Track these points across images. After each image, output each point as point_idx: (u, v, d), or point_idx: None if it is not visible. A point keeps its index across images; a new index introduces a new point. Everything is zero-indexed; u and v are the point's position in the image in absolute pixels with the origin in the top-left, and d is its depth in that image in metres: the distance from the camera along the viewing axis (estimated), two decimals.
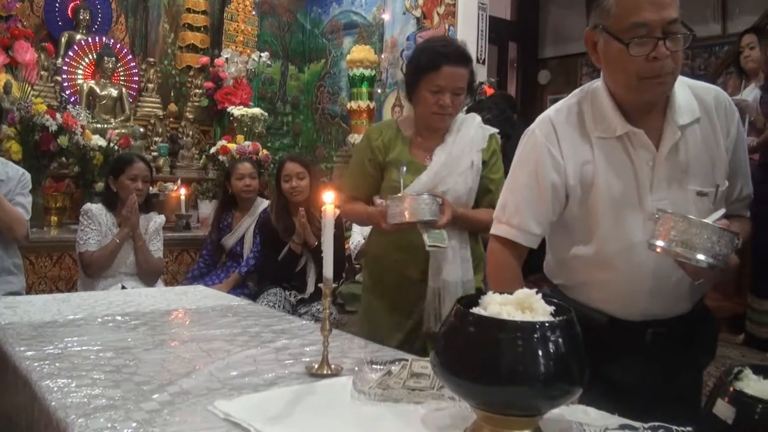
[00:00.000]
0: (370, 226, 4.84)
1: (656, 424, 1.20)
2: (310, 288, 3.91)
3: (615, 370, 1.66)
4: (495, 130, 2.58)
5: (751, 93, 4.66)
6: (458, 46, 2.45)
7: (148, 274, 3.80)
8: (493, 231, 1.83)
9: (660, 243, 1.46)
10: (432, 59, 2.39)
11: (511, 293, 1.20)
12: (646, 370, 1.70)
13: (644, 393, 1.68)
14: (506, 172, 1.97)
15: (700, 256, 1.42)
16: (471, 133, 2.51)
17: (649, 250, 1.56)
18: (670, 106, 1.64)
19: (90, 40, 6.04)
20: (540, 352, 1.06)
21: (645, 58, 1.53)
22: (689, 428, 1.14)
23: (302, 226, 3.75)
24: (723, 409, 0.90)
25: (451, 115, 2.48)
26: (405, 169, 2.36)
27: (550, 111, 1.79)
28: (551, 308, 1.17)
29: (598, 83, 1.73)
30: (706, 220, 1.45)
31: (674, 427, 1.18)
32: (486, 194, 2.54)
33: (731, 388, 0.92)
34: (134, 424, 1.23)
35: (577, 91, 1.80)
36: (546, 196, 1.72)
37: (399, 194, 2.28)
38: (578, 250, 1.75)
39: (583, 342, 1.67)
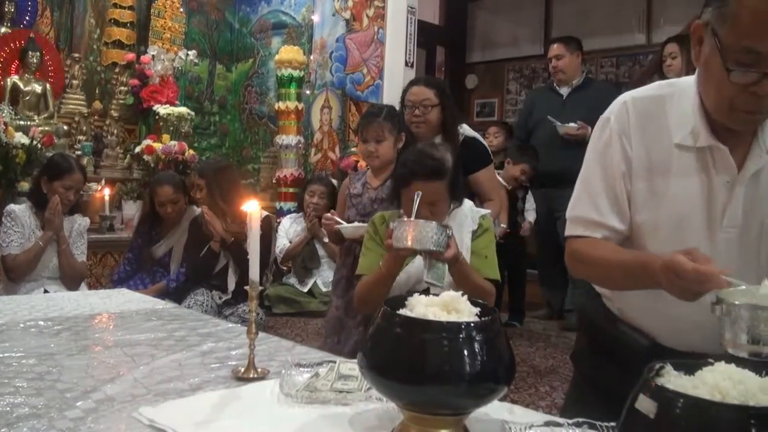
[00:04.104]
0: (299, 229, 4.85)
1: (580, 420, 1.23)
2: (231, 286, 3.97)
3: None
4: (486, 211, 2.46)
5: None
6: (428, 160, 2.23)
7: (71, 279, 3.71)
8: (568, 232, 1.64)
9: (735, 347, 1.16)
10: (402, 175, 2.25)
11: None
12: None
13: None
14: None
15: None
16: (462, 219, 2.37)
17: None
18: (762, 128, 1.47)
19: (14, 33, 5.86)
20: (465, 352, 1.08)
21: (743, 88, 1.34)
22: (612, 423, 1.17)
23: (207, 223, 3.86)
24: (645, 404, 0.92)
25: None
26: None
27: (629, 98, 1.58)
28: (477, 309, 1.19)
29: (689, 81, 1.53)
30: None
31: (598, 423, 1.22)
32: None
33: (653, 384, 0.94)
34: None
35: (664, 83, 1.62)
36: (621, 187, 1.55)
37: (406, 218, 2.07)
38: None
39: (624, 368, 1.45)
